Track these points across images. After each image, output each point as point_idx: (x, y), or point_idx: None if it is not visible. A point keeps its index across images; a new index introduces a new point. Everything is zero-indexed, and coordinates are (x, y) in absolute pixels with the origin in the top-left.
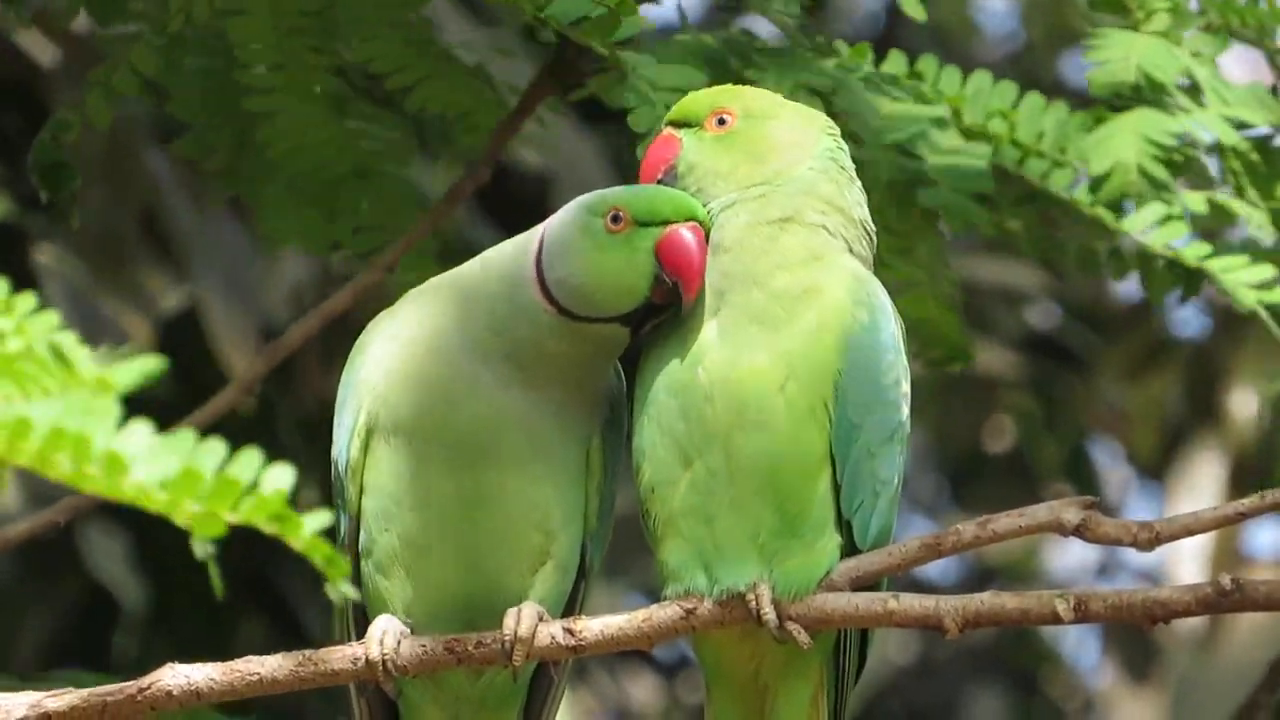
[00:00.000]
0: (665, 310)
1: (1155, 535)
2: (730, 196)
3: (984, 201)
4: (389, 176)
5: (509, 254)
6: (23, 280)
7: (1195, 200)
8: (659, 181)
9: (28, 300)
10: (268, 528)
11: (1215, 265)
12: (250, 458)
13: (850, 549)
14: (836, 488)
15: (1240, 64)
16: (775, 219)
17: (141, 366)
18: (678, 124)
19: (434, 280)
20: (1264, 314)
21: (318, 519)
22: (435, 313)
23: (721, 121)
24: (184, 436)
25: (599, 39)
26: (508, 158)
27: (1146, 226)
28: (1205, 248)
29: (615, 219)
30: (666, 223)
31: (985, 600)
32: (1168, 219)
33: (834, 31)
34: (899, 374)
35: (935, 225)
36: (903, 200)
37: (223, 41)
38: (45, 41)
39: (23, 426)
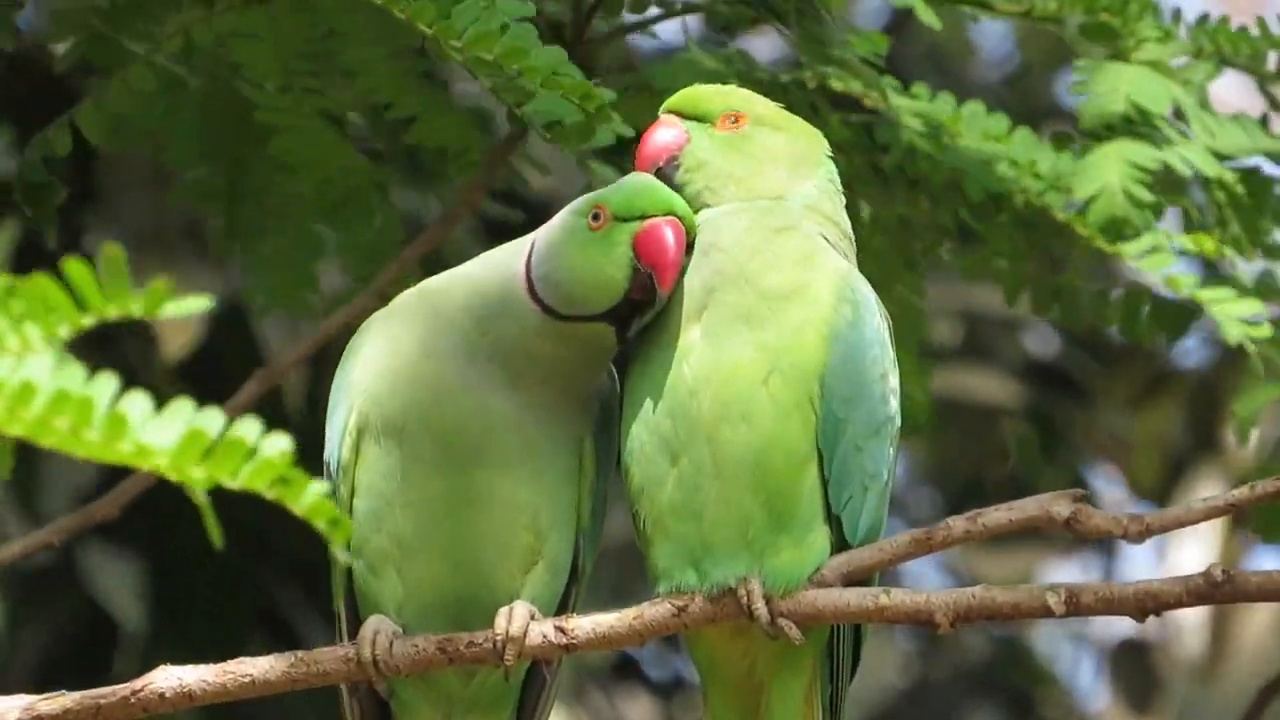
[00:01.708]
0: (647, 308)
1: (1146, 527)
2: (735, 205)
3: (962, 235)
4: (383, 205)
5: (502, 257)
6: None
7: (1184, 240)
8: (659, 168)
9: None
10: (271, 492)
11: (1206, 296)
12: (250, 425)
13: (841, 545)
14: (825, 483)
15: (1233, 89)
16: (777, 226)
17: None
18: (684, 115)
19: (425, 283)
20: (1251, 348)
21: (321, 485)
22: (427, 314)
23: (734, 123)
24: (181, 404)
25: (572, 144)
26: (506, 182)
27: (1140, 253)
28: (1194, 278)
29: (596, 216)
30: (644, 217)
31: (976, 594)
32: (1158, 249)
33: None
34: (885, 368)
35: (917, 262)
36: (932, 165)
37: (221, 86)
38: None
39: (26, 391)
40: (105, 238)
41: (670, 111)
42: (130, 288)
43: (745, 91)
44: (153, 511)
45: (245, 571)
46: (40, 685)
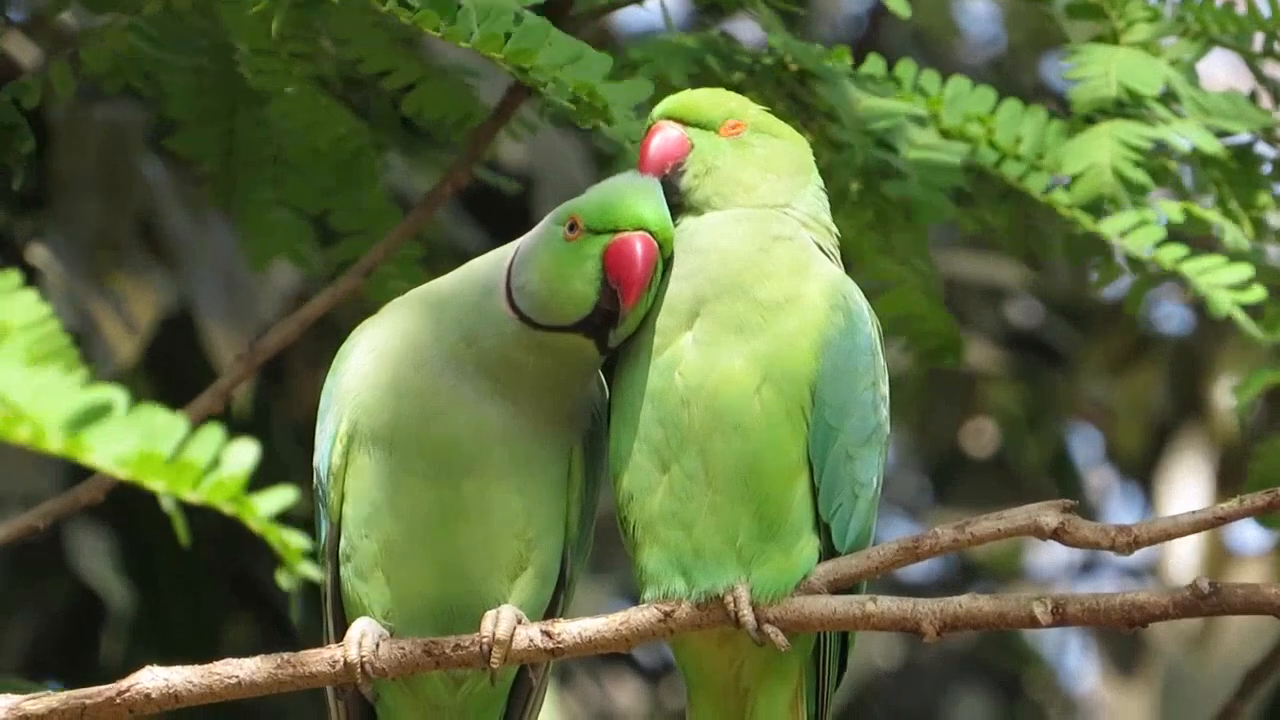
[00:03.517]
0: (619, 322)
1: (1133, 539)
2: (739, 211)
3: (956, 197)
4: (370, 181)
5: (487, 264)
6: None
7: (1172, 209)
8: (665, 176)
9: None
10: (227, 509)
11: (1191, 268)
12: (212, 435)
13: (829, 552)
14: (815, 491)
15: (1223, 67)
16: (775, 234)
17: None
18: (684, 121)
19: (416, 290)
20: (1240, 316)
21: (276, 499)
22: (414, 322)
23: (734, 130)
24: (148, 411)
25: (592, 120)
26: (491, 158)
27: (1123, 230)
28: (1181, 249)
29: (572, 226)
30: (617, 231)
31: (963, 603)
32: (1143, 223)
33: (816, 34)
34: (876, 376)
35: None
36: (872, 189)
37: (212, 40)
38: (26, 42)
39: None
40: (58, 241)
41: (668, 117)
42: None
43: (739, 97)
44: (133, 489)
45: (227, 548)
46: (28, 665)
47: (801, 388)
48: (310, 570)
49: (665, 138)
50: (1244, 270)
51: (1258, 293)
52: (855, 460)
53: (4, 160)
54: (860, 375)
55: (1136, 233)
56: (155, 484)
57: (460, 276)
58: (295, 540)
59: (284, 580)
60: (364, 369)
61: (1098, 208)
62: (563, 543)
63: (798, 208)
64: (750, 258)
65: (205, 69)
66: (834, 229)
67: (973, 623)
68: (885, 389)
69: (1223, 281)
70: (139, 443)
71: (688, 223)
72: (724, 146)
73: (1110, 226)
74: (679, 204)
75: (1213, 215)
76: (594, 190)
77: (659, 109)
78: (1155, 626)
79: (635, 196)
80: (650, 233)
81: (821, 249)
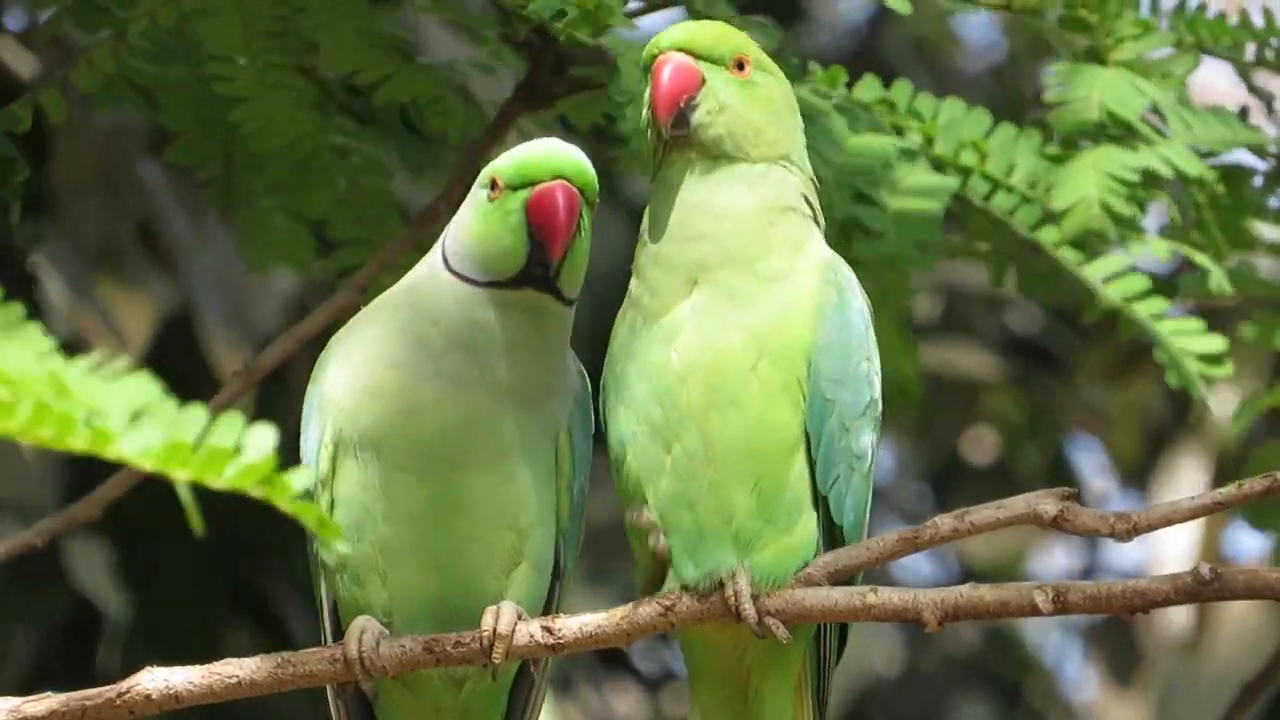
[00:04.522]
0: (550, 271)
1: (1133, 526)
2: (743, 174)
3: (937, 237)
4: (370, 191)
5: (430, 253)
6: (19, 287)
7: (1159, 247)
8: (679, 110)
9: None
10: (256, 492)
11: (1168, 328)
12: (231, 422)
13: (828, 527)
14: (812, 467)
15: (1225, 77)
16: (785, 206)
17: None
18: (694, 54)
19: (378, 297)
20: (1201, 391)
21: (301, 477)
22: (381, 322)
23: (740, 66)
24: (167, 403)
25: (585, 31)
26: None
27: (1107, 276)
28: (1161, 303)
29: (493, 186)
30: (534, 184)
31: (964, 593)
32: (1129, 271)
33: (814, 44)
34: (869, 350)
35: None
36: (850, 244)
37: (199, 53)
38: (23, 52)
39: (7, 409)
40: (57, 247)
41: (678, 49)
42: None
43: (740, 32)
44: (133, 498)
45: (225, 553)
46: (27, 674)
47: (798, 361)
48: (343, 547)
49: (680, 67)
50: (1218, 343)
51: (1226, 369)
52: (851, 432)
53: (2, 194)
54: (854, 347)
55: (1119, 282)
56: (181, 474)
57: (410, 272)
58: (329, 519)
59: (325, 554)
60: (341, 376)
61: (1084, 243)
62: (555, 533)
63: (795, 160)
64: (759, 230)
65: (201, 78)
66: (813, 177)
67: (974, 612)
68: (877, 363)
69: (1195, 349)
70: (164, 433)
71: (698, 173)
72: (735, 84)
73: (1095, 271)
74: (685, 139)
75: (1200, 258)
76: (510, 150)
77: (665, 39)
78: (1150, 635)
79: (549, 148)
80: (568, 179)
81: (809, 203)
